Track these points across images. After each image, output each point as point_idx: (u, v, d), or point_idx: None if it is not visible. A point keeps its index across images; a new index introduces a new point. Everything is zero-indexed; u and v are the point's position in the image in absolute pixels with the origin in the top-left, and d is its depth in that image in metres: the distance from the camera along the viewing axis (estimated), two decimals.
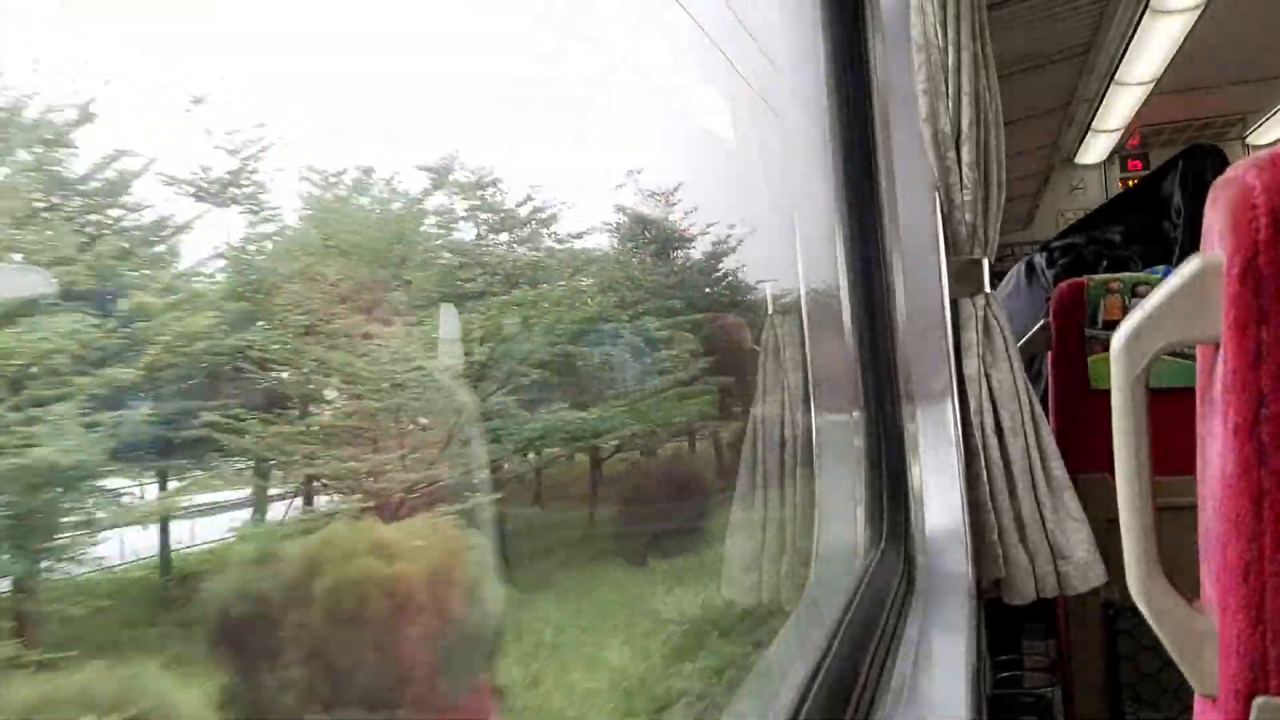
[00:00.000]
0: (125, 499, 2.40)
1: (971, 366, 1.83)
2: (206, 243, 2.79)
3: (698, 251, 5.44)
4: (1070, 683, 2.25)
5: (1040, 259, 3.39)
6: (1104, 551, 1.83)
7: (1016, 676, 2.04)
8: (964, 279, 1.85)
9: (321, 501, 3.08)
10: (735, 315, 5.02)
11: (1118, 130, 7.45)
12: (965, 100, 1.75)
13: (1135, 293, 2.23)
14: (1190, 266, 0.54)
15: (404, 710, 2.15)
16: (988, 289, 1.86)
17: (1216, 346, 0.53)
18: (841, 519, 1.91)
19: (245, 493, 2.99)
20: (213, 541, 2.72)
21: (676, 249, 5.41)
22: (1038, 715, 1.93)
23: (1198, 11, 4.93)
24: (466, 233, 4.29)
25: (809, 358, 1.94)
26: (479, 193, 4.29)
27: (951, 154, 1.77)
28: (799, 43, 2.02)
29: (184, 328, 2.51)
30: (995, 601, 1.84)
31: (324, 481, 3.02)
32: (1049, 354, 2.45)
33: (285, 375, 2.99)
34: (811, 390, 1.94)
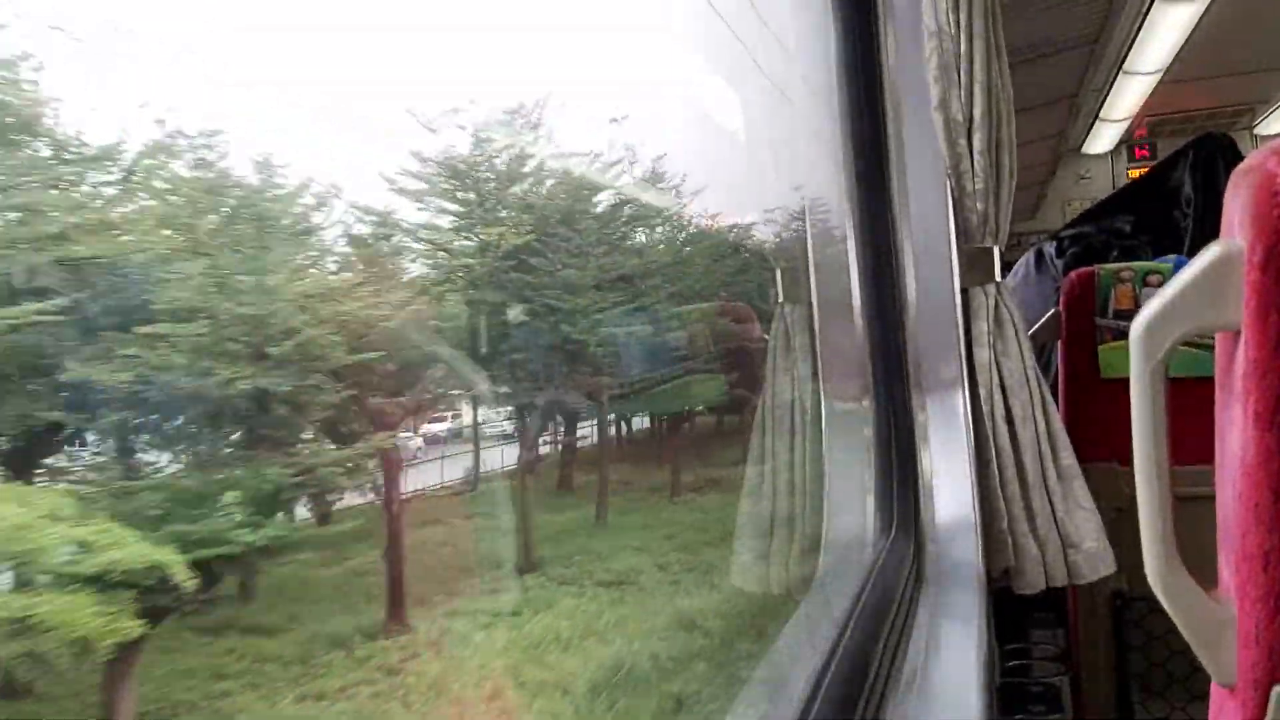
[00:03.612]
0: None
1: (982, 355, 1.82)
2: None
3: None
4: (1079, 672, 2.25)
5: (1050, 248, 3.38)
6: (1113, 540, 1.82)
7: (1025, 666, 2.03)
8: (975, 267, 1.84)
9: None
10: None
11: (1125, 120, 7.42)
12: (977, 88, 1.74)
13: (1146, 282, 2.22)
14: (1210, 254, 0.54)
15: None
16: (998, 278, 1.85)
17: (1237, 334, 0.53)
18: (851, 508, 1.91)
19: None
20: None
21: None
22: (1046, 705, 1.93)
23: (1207, 0, 4.90)
24: None
25: (819, 345, 1.93)
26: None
27: (963, 142, 1.76)
28: (810, 30, 2.01)
29: None
30: (1004, 590, 1.84)
31: None
32: (1059, 343, 2.44)
33: None
34: (822, 378, 1.94)
